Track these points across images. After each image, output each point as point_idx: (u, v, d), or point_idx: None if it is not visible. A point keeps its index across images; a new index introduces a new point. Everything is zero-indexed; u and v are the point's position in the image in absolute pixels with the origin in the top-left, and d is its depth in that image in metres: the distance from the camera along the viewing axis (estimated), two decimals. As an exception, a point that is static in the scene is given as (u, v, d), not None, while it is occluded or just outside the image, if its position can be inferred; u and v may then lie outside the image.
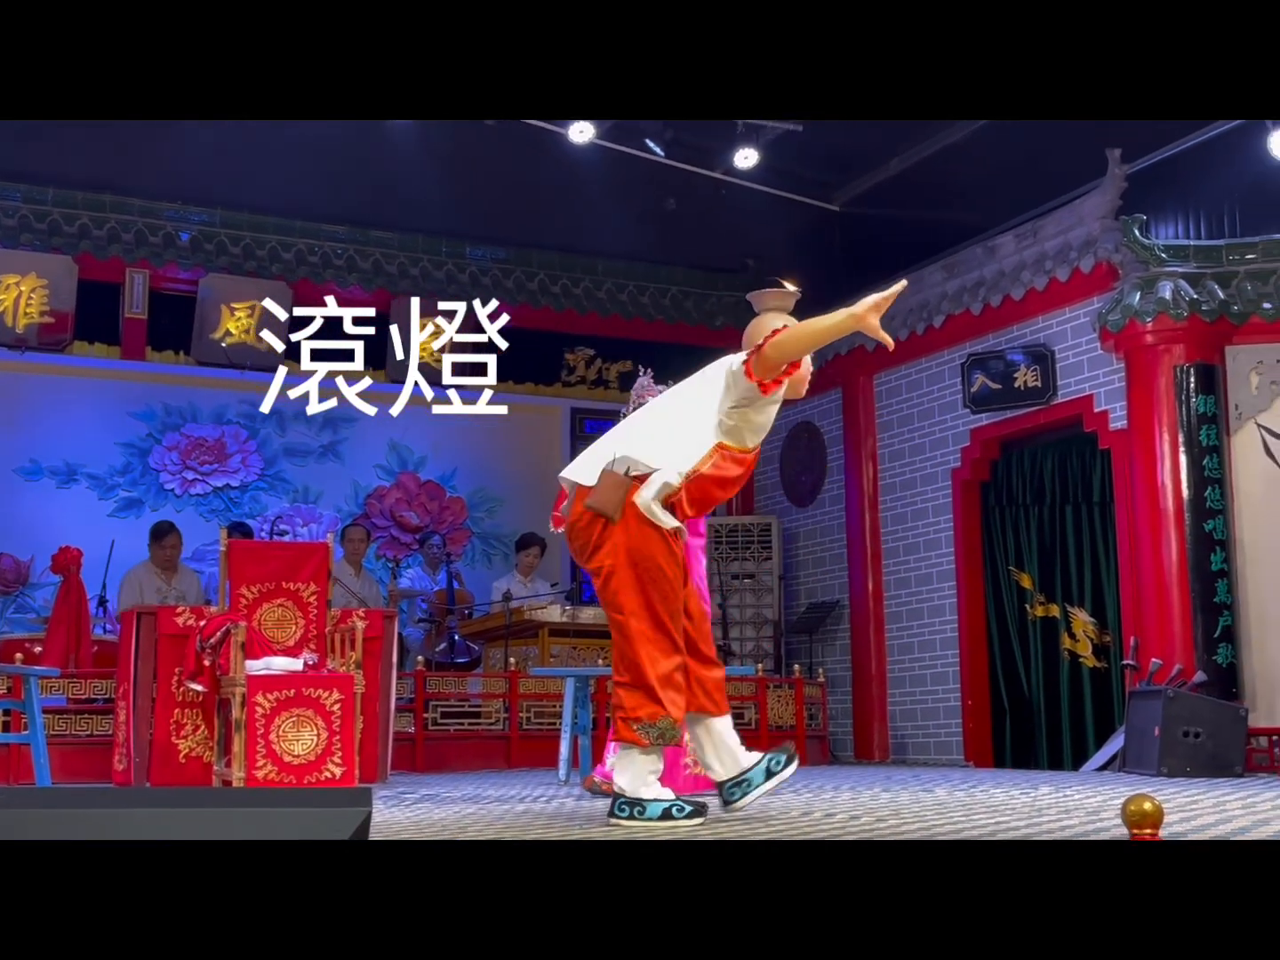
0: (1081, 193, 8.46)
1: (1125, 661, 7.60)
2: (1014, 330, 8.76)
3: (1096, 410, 8.14)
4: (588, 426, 11.20)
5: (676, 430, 3.87)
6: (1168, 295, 7.53)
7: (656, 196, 10.50)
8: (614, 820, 3.80)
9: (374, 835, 3.56)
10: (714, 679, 3.99)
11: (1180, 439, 7.49)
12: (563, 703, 6.79)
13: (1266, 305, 7.49)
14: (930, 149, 9.61)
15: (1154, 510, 7.55)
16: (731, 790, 3.92)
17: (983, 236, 9.08)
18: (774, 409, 3.95)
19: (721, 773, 3.93)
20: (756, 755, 3.97)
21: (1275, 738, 6.88)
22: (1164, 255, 7.71)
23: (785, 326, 3.87)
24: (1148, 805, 1.65)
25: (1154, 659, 7.24)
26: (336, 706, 5.66)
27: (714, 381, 3.92)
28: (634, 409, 5.47)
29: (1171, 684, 6.88)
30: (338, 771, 5.65)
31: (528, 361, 10.78)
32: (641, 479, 3.77)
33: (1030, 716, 8.81)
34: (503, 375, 10.65)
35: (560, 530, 4.46)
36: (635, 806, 3.77)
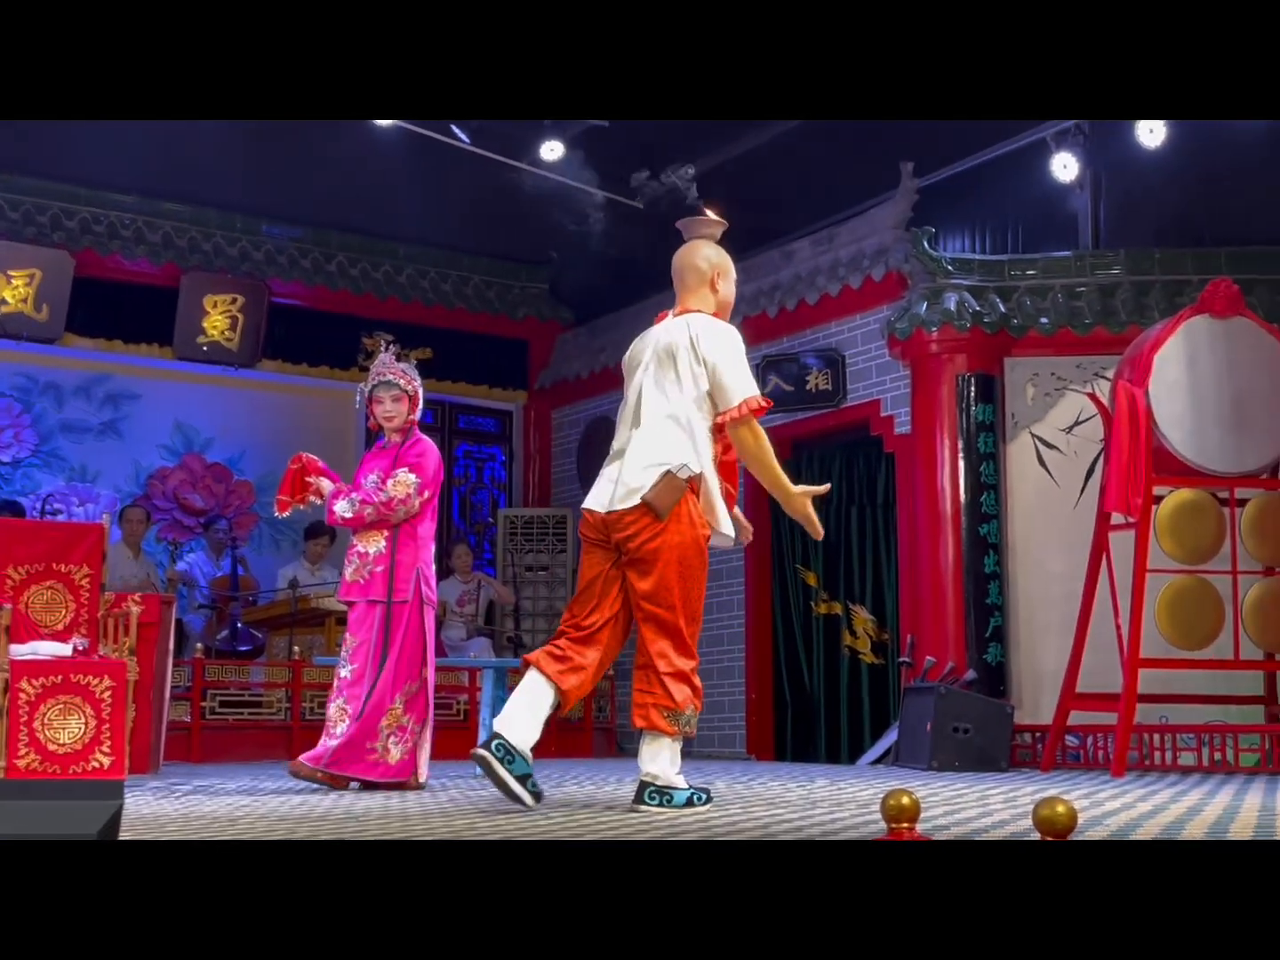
0: (875, 203, 8.71)
1: (901, 659, 7.86)
2: (807, 334, 8.96)
3: (883, 415, 8.39)
4: (383, 413, 11.04)
5: (685, 422, 3.99)
6: (952, 306, 7.81)
7: (461, 184, 10.40)
8: (643, 807, 3.88)
9: (138, 829, 3.45)
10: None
11: (960, 445, 7.78)
12: (347, 693, 6.66)
13: (1044, 320, 7.83)
14: (735, 151, 9.75)
15: (933, 513, 7.82)
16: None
17: (780, 241, 9.27)
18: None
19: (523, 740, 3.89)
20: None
21: (1038, 734, 7.21)
22: (950, 268, 8.00)
23: (759, 412, 4.04)
24: (905, 800, 1.70)
25: (928, 657, 7.51)
26: (107, 694, 5.46)
27: (691, 357, 4.02)
28: (371, 387, 5.44)
29: (944, 681, 7.14)
30: (106, 761, 5.44)
31: (324, 344, 10.57)
32: (694, 482, 3.94)
33: (811, 711, 9.04)
34: (297, 357, 10.53)
35: (284, 514, 5.42)
36: (664, 795, 3.88)
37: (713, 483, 4.03)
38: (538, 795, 3.95)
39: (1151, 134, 8.33)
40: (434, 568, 5.49)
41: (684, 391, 4.02)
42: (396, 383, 5.49)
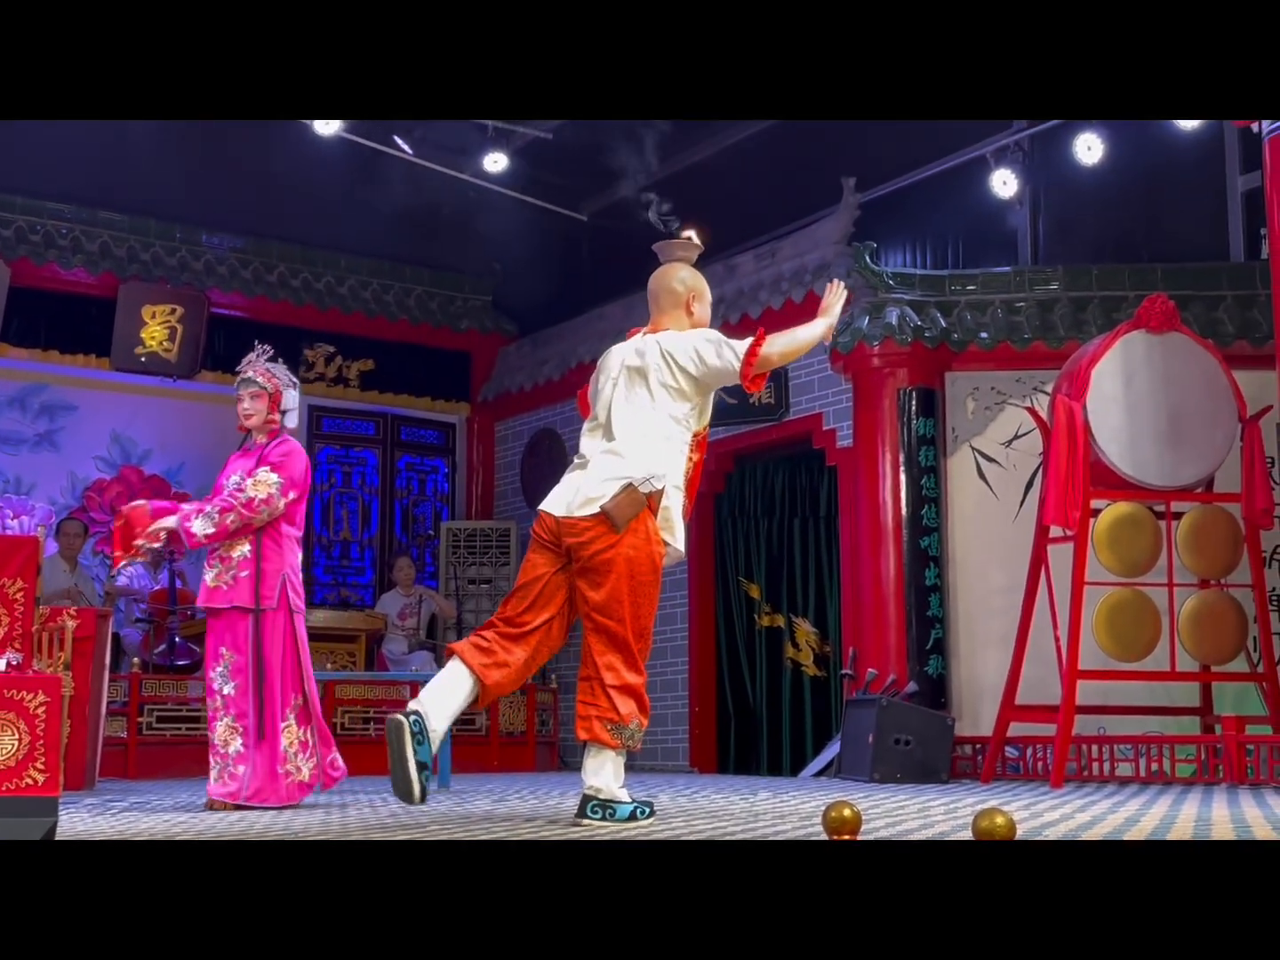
0: (818, 218, 8.76)
1: (843, 671, 7.89)
2: (751, 347, 8.98)
3: (825, 428, 8.44)
4: (325, 425, 10.96)
5: (658, 438, 4.00)
6: (894, 321, 7.87)
7: (404, 195, 10.36)
8: (585, 821, 3.84)
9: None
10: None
11: (901, 459, 7.83)
12: (287, 707, 6.59)
13: (984, 334, 7.90)
14: (677, 165, 9.79)
15: (875, 526, 7.87)
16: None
17: (724, 255, 9.30)
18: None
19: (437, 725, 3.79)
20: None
21: (978, 746, 7.26)
22: (892, 282, 8.05)
23: (764, 333, 4.10)
24: (847, 812, 1.70)
25: (870, 669, 7.55)
26: (41, 710, 5.34)
27: (666, 374, 4.03)
28: (240, 384, 5.35)
29: (885, 694, 7.18)
30: (40, 778, 5.32)
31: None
32: (654, 498, 3.92)
33: (754, 723, 9.06)
34: (238, 369, 10.41)
35: (119, 569, 5.58)
36: (607, 809, 3.84)
37: (675, 500, 4.03)
38: (424, 795, 3.71)
39: (1090, 151, 8.45)
40: (301, 576, 5.30)
41: (657, 407, 4.01)
42: (255, 380, 5.33)
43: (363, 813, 4.73)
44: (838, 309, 4.31)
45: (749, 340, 4.04)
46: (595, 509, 3.89)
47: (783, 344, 4.11)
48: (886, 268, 8.25)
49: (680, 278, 4.23)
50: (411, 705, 3.81)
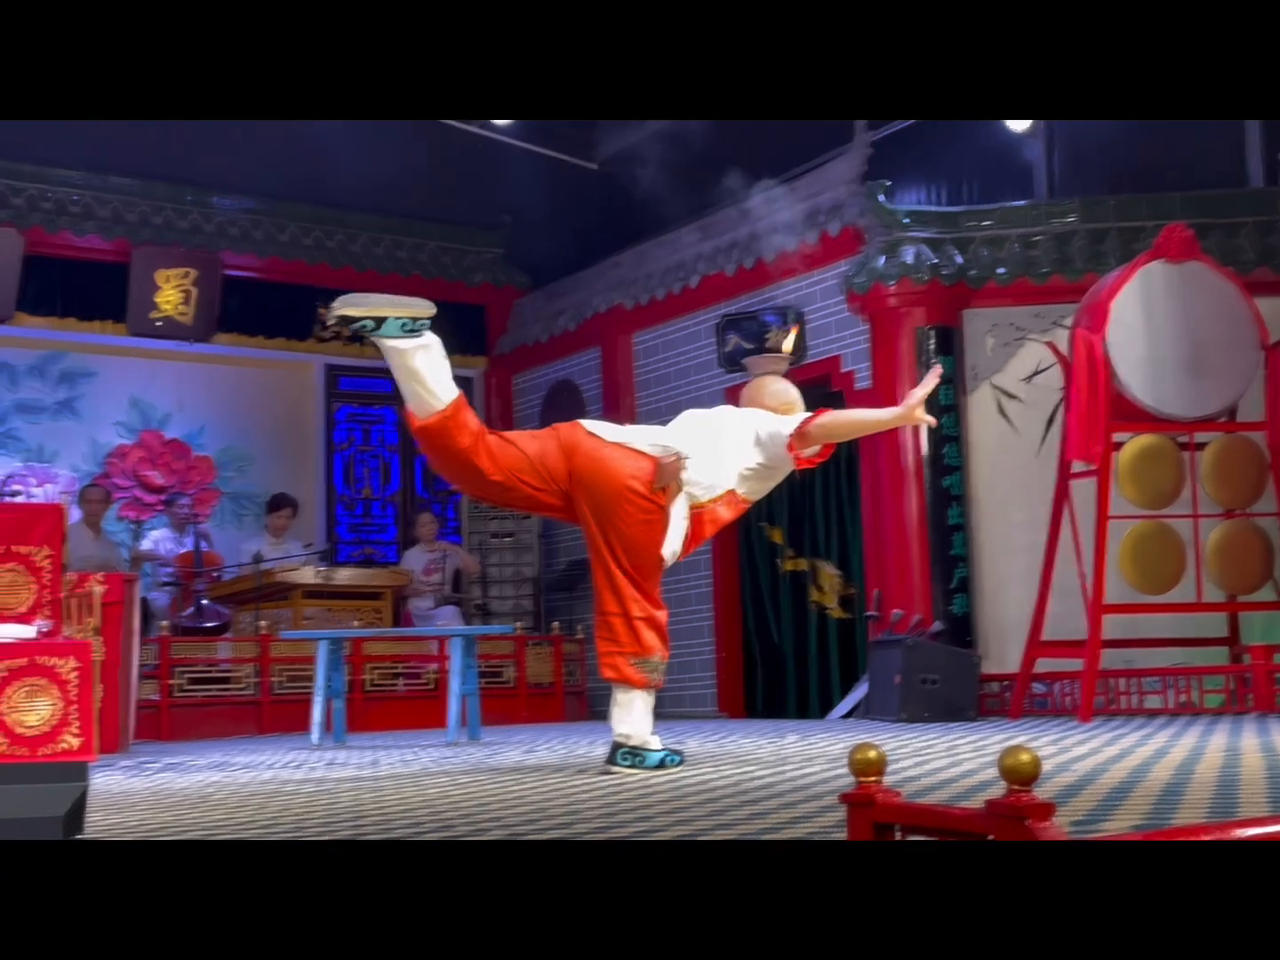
0: (830, 157, 8.68)
1: (868, 612, 7.90)
2: (766, 292, 8.95)
3: (843, 370, 8.39)
4: (342, 383, 10.97)
5: (718, 461, 4.03)
6: (910, 260, 7.80)
7: (412, 149, 10.31)
8: (615, 768, 3.87)
9: (107, 808, 3.43)
10: None
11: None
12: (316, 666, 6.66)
13: (1000, 270, 7.84)
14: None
15: (895, 467, 7.84)
16: None
17: (736, 199, 9.23)
18: (789, 471, 4.17)
19: None
20: None
21: (1005, 683, 7.26)
22: (906, 221, 7.98)
23: (823, 409, 4.06)
24: (872, 754, 1.70)
25: (895, 610, 7.55)
26: (73, 675, 5.38)
27: (748, 433, 4.05)
28: None
29: (911, 633, 7.18)
30: (75, 743, 5.38)
31: (279, 315, 10.48)
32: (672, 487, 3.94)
33: (780, 667, 9.08)
34: (253, 329, 10.44)
35: None
36: (637, 756, 3.88)
37: (681, 507, 4.00)
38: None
39: (1103, 81, 8.33)
40: None
41: (736, 435, 4.07)
42: None
43: (395, 768, 4.77)
44: (918, 397, 3.93)
45: (794, 429, 3.95)
46: (649, 449, 3.93)
47: (835, 424, 4.00)
48: (901, 206, 8.18)
49: (773, 391, 4.27)
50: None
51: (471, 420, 3.91)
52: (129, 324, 9.81)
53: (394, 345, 3.74)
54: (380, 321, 3.70)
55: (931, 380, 3.93)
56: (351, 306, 3.68)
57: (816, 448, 4.00)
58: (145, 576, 9.04)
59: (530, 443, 4.04)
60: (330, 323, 3.70)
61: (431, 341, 3.80)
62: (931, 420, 4.10)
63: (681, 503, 3.98)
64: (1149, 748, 4.14)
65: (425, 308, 3.75)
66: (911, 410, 3.92)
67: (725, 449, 4.04)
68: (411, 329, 3.74)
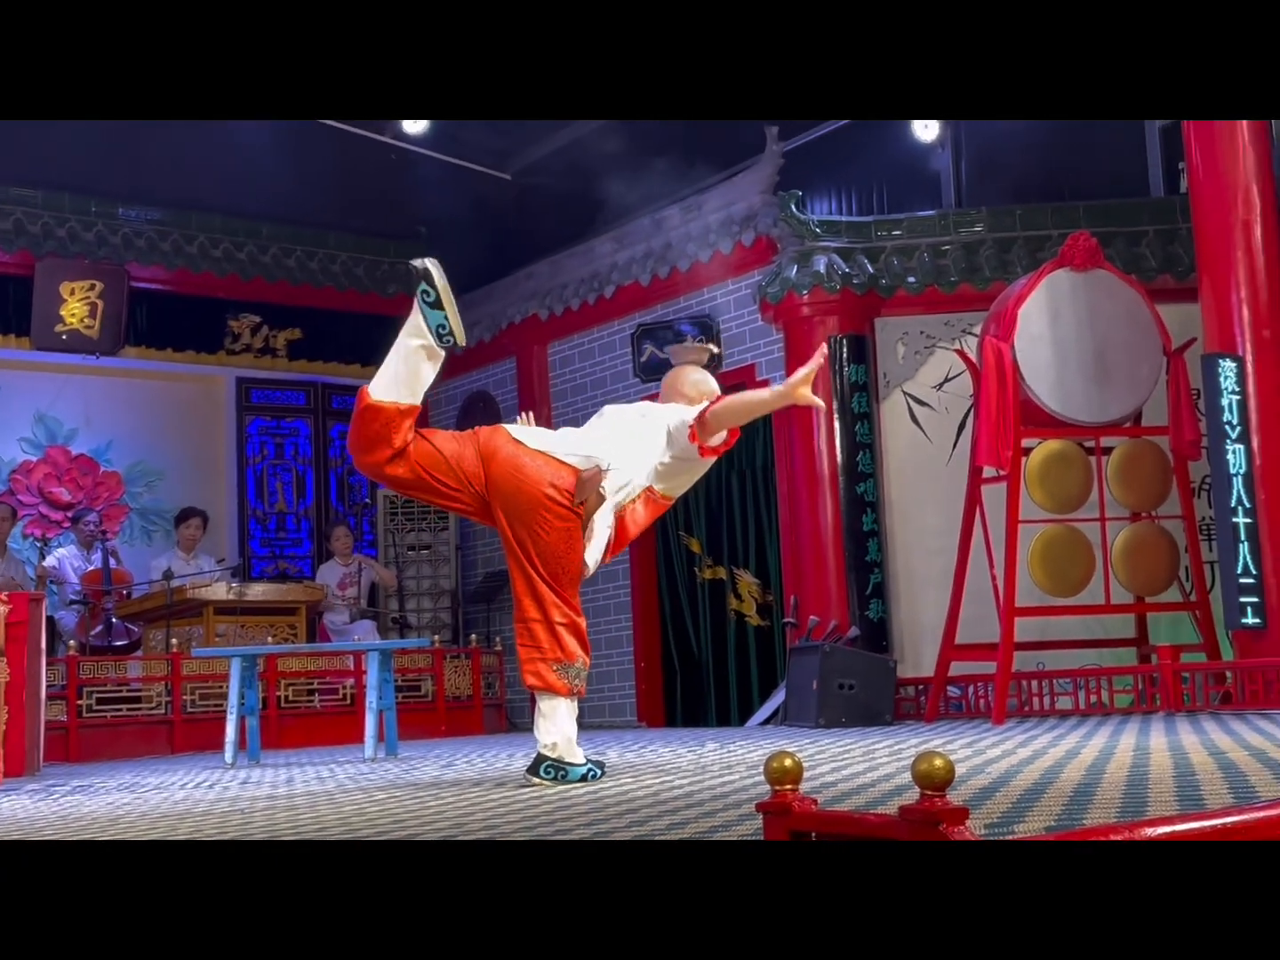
0: (743, 168, 8.74)
1: (786, 619, 7.94)
2: (681, 301, 8.98)
3: (758, 380, 8.43)
4: (254, 396, 10.83)
5: (635, 458, 4.00)
6: (822, 269, 7.87)
7: (325, 159, 10.21)
8: (536, 780, 3.82)
9: (12, 833, 3.34)
10: None
11: (834, 407, 7.87)
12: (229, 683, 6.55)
13: (911, 279, 7.93)
14: (599, 120, 9.71)
15: (811, 475, 7.91)
16: None
17: (650, 209, 9.26)
18: (707, 466, 4.13)
19: None
20: None
21: (921, 687, 7.34)
22: (818, 230, 8.05)
23: (721, 396, 4.06)
24: (788, 762, 1.70)
25: (812, 616, 7.60)
26: (-24, 698, 5.29)
27: (662, 428, 4.03)
28: None
29: (828, 640, 7.24)
30: (-21, 767, 5.28)
31: (188, 328, 10.32)
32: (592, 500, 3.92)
33: (700, 676, 9.10)
34: (162, 342, 10.27)
35: None
36: (559, 770, 3.84)
37: (605, 517, 3.99)
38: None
39: (1008, 92, 8.47)
40: None
41: (651, 431, 4.05)
42: None
43: (310, 785, 4.70)
44: (800, 376, 3.86)
45: (695, 416, 3.94)
46: (574, 462, 3.91)
47: (728, 409, 3.96)
48: (813, 216, 8.25)
49: (693, 380, 4.26)
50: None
51: (410, 432, 3.93)
52: (33, 338, 9.61)
53: (422, 329, 3.82)
54: (435, 305, 3.79)
55: (815, 361, 3.90)
56: (438, 277, 3.78)
57: (722, 435, 4.01)
58: (52, 595, 8.85)
59: (449, 443, 4.03)
60: (417, 266, 3.82)
61: (439, 358, 3.88)
62: (820, 403, 4.08)
63: (607, 512, 3.98)
64: (1061, 748, 4.20)
65: (458, 337, 3.84)
66: (793, 389, 3.87)
67: (642, 445, 4.04)
68: (443, 335, 3.81)
